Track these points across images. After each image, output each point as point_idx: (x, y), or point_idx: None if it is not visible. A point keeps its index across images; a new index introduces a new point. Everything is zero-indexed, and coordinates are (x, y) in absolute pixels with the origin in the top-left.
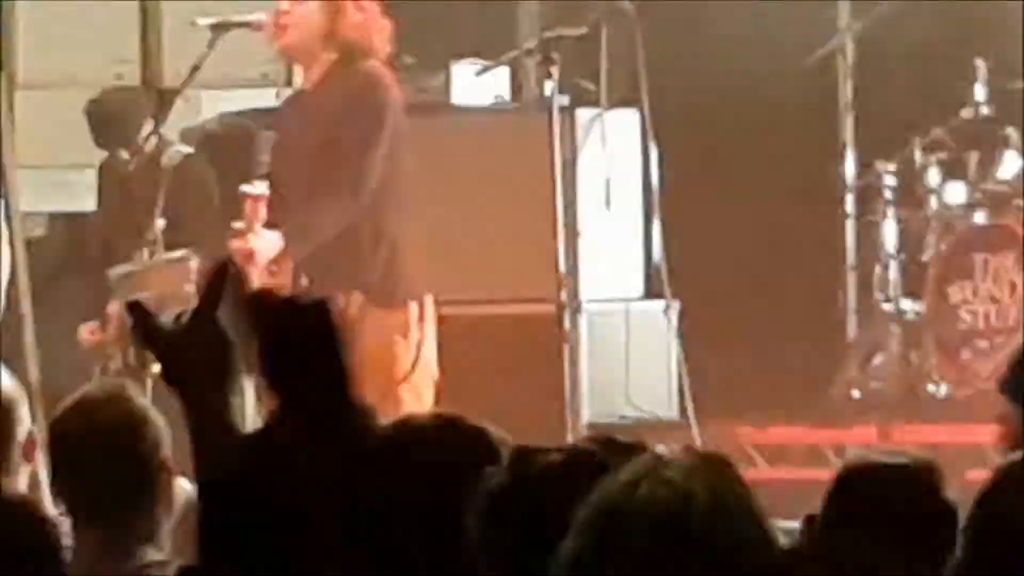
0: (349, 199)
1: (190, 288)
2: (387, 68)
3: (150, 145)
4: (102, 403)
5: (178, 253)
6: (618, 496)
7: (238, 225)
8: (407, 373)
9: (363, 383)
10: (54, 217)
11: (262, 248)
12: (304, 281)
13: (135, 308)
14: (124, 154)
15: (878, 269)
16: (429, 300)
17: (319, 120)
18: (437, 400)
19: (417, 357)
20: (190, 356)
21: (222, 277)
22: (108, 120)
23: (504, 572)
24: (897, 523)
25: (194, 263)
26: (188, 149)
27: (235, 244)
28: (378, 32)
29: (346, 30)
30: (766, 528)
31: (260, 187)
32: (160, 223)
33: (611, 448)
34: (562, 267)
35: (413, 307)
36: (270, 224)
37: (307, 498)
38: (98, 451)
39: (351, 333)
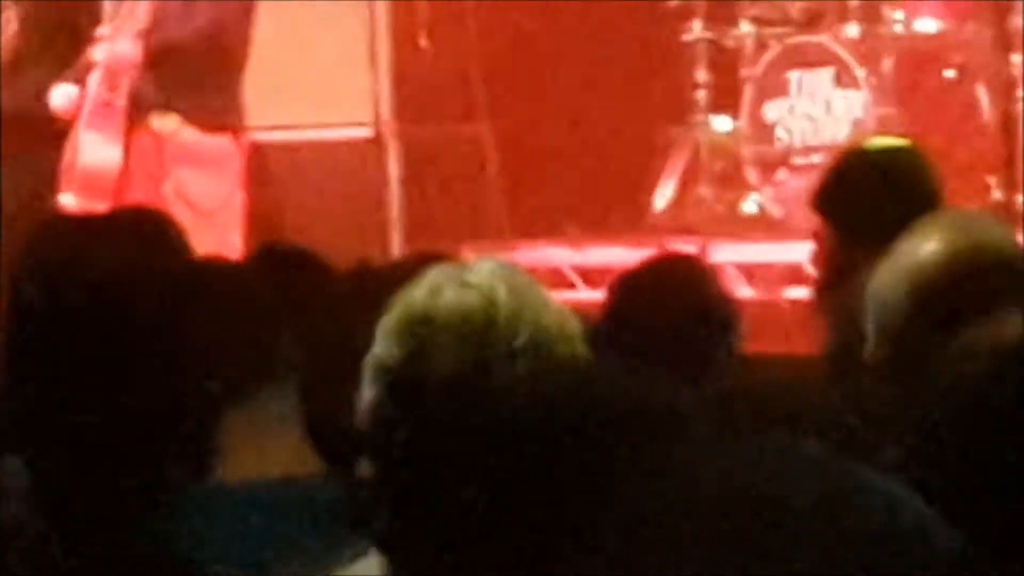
0: (205, 40)
1: None
2: None
3: None
4: None
5: None
6: (421, 299)
7: (104, 30)
8: (229, 201)
9: (183, 206)
10: None
11: (123, 55)
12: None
13: None
14: None
15: (694, 87)
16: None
17: None
18: (247, 224)
19: (236, 187)
20: None
21: None
22: None
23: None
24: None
25: None
26: None
27: (98, 49)
28: None
29: None
30: (568, 324)
31: None
32: None
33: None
34: (382, 93)
35: (230, 137)
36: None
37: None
38: None
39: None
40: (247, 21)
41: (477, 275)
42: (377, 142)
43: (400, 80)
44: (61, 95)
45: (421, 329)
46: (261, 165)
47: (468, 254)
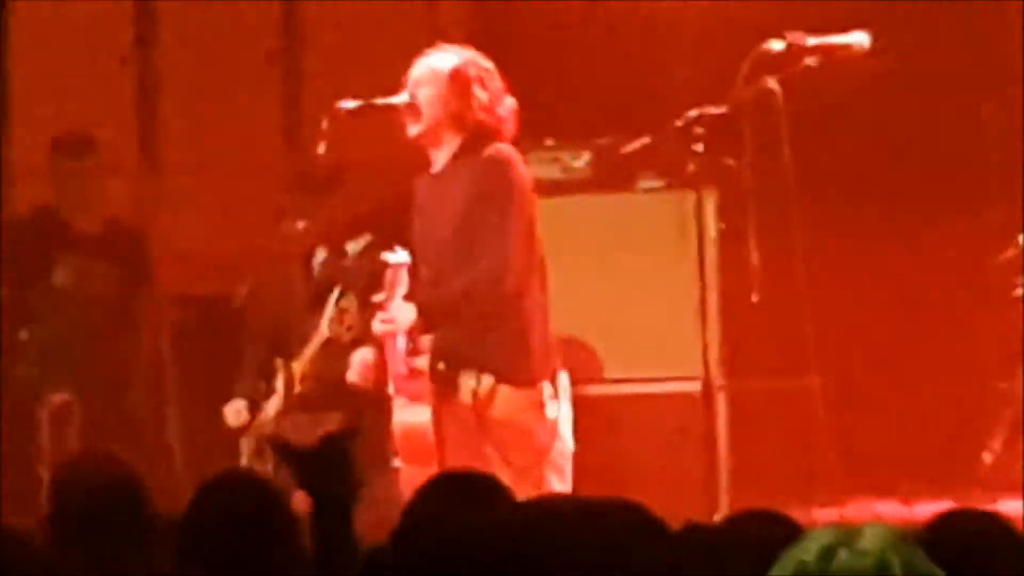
0: (491, 284)
1: None
2: (514, 149)
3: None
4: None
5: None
6: (814, 563)
7: (378, 297)
8: (546, 451)
9: (502, 463)
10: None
11: (401, 319)
12: (440, 365)
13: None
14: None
15: (1022, 342)
16: (563, 376)
17: (450, 205)
18: (576, 475)
19: (554, 435)
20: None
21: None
22: None
23: None
24: None
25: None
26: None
27: (378, 314)
28: (505, 112)
29: (473, 112)
30: None
31: (402, 256)
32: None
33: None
34: (711, 347)
35: (546, 385)
36: (407, 296)
37: None
38: None
39: (483, 414)
40: (531, 265)
41: (870, 541)
42: (706, 396)
43: (730, 334)
44: (359, 359)
45: None
46: (592, 417)
47: (799, 509)
